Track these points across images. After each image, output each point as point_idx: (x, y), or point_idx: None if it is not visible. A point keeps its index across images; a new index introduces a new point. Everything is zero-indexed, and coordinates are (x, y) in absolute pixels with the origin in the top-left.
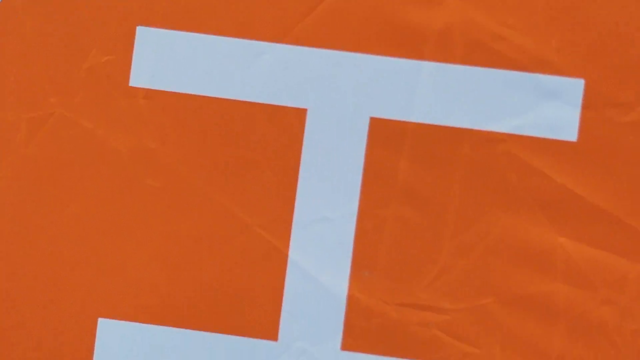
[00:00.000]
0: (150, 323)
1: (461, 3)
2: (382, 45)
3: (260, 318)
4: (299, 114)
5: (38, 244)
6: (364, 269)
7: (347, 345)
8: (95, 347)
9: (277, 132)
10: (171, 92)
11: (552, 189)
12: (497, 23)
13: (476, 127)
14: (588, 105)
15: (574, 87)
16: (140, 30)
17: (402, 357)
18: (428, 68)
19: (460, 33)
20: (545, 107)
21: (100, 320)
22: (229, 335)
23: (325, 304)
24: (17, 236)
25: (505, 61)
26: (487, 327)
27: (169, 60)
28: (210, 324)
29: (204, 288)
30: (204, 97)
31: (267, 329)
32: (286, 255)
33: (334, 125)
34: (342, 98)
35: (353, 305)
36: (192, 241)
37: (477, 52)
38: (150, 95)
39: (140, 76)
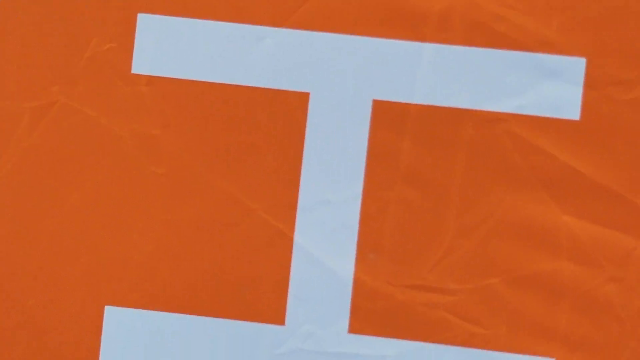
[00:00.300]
0: (157, 310)
1: None
2: (383, 27)
3: (266, 302)
4: (302, 98)
5: (43, 233)
6: (369, 251)
7: (354, 328)
8: (103, 335)
9: (279, 117)
10: (173, 78)
11: (555, 167)
12: (497, 3)
13: (478, 108)
14: (590, 83)
15: (576, 66)
16: (142, 18)
17: (408, 338)
18: (429, 49)
19: (461, 14)
20: (547, 86)
21: (107, 308)
22: (236, 321)
23: (332, 287)
24: (22, 226)
25: (506, 41)
26: (493, 307)
27: (170, 47)
28: (218, 310)
29: (210, 274)
30: (206, 83)
31: (274, 313)
32: (291, 239)
33: (336, 109)
34: (344, 81)
35: (359, 288)
36: (197, 227)
37: (478, 33)
38: (152, 82)
39: (142, 63)
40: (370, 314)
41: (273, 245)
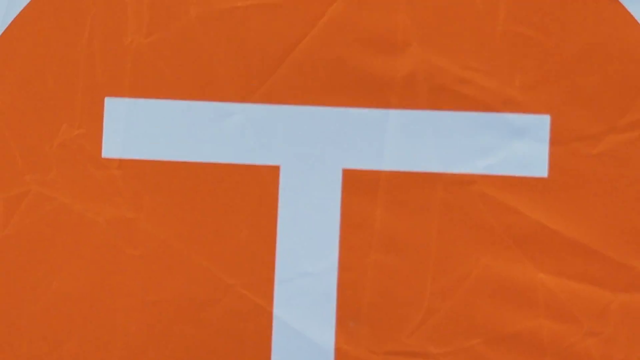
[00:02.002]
0: None
1: (423, 49)
2: (349, 96)
3: None
4: (272, 172)
5: (25, 323)
6: (349, 320)
7: None
8: None
9: (251, 191)
10: (144, 160)
11: (528, 225)
12: (459, 66)
13: (447, 171)
14: (556, 140)
15: (541, 124)
16: (109, 101)
17: None
18: (395, 116)
19: (424, 79)
20: (514, 145)
21: None
22: None
23: (314, 359)
24: (4, 317)
25: (470, 103)
26: None
27: (139, 129)
28: None
29: (191, 353)
30: (177, 162)
31: None
32: (271, 313)
33: (307, 180)
34: (313, 152)
35: (341, 357)
36: (176, 307)
37: (442, 96)
38: (123, 165)
39: (112, 147)
40: None
41: (253, 320)
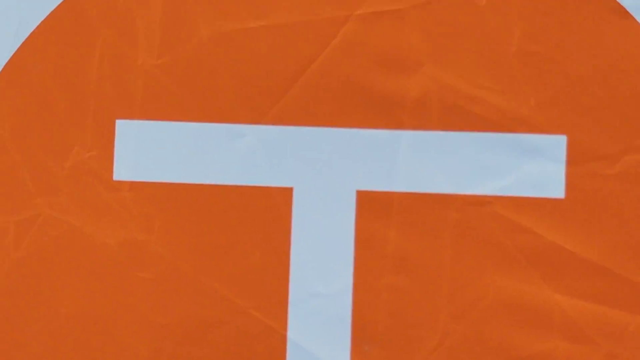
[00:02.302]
0: None
1: (435, 69)
2: (361, 117)
3: None
4: (285, 193)
5: (34, 346)
6: (364, 342)
7: None
8: None
9: (264, 213)
10: (156, 182)
11: (544, 247)
12: (472, 85)
13: (461, 192)
14: (573, 160)
15: (557, 144)
16: (120, 124)
17: None
18: (407, 137)
19: (437, 99)
20: (529, 165)
21: None
22: None
23: None
24: (14, 339)
25: (484, 123)
26: None
27: (151, 151)
28: None
29: None
30: (189, 184)
31: None
32: (284, 336)
33: (321, 201)
34: (326, 173)
35: None
36: (188, 330)
37: (455, 117)
38: (135, 187)
39: (124, 169)
40: None
41: (266, 343)
